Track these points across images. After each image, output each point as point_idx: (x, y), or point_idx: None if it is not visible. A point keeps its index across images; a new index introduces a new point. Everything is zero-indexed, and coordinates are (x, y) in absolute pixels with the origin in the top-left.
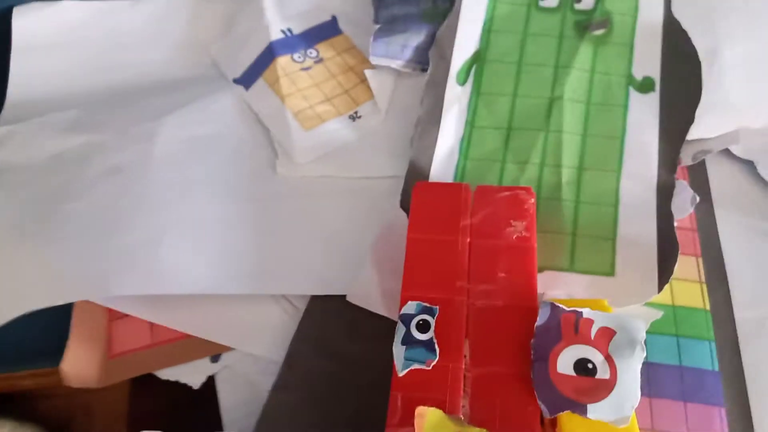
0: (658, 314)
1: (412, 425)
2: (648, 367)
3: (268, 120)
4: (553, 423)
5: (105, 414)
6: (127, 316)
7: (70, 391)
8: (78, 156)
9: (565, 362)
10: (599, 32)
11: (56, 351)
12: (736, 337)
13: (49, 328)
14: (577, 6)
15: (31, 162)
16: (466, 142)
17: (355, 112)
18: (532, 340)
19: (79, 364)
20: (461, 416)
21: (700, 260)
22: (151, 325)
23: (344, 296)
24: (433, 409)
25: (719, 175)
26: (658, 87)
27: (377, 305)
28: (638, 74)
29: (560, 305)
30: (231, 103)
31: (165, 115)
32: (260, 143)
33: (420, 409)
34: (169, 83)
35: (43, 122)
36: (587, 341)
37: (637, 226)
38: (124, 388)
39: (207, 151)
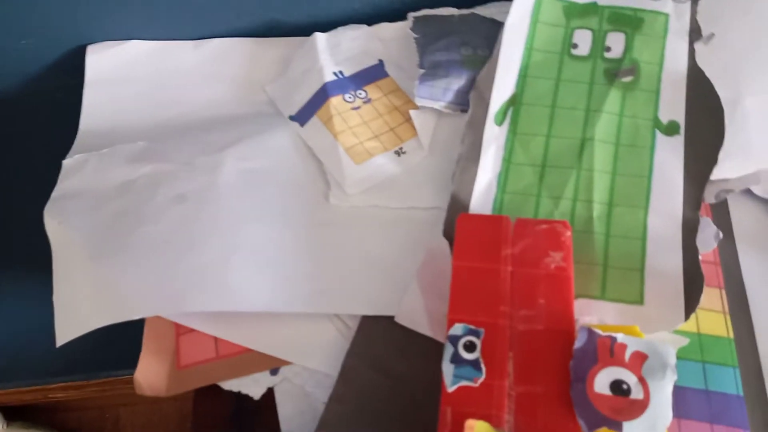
0: (685, 341)
1: None
2: (676, 390)
3: (321, 154)
4: None
5: (133, 425)
6: (193, 330)
7: (100, 404)
8: (146, 184)
9: (601, 383)
10: (627, 79)
11: (88, 364)
12: (760, 365)
13: (80, 342)
14: (607, 55)
15: (102, 188)
16: (504, 177)
17: (401, 148)
18: (570, 362)
19: (150, 374)
20: (506, 430)
21: (724, 292)
22: (216, 339)
23: (392, 317)
24: (481, 421)
25: (740, 213)
26: (683, 130)
27: (423, 326)
28: (664, 118)
29: (596, 330)
30: (287, 138)
31: (227, 148)
32: (314, 175)
33: (469, 422)
34: (228, 119)
35: (112, 152)
36: (622, 364)
37: (664, 258)
38: (156, 399)
39: (266, 182)
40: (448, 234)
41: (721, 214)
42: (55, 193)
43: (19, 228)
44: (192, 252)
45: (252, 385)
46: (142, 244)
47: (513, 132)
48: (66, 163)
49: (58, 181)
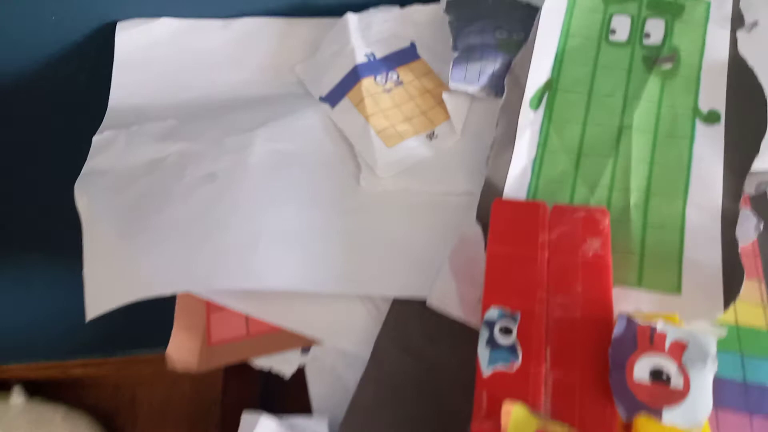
0: (723, 332)
1: (496, 419)
2: (713, 381)
3: (352, 136)
4: (628, 427)
5: (150, 404)
6: (224, 308)
7: (117, 382)
8: (175, 163)
9: (641, 370)
10: (667, 66)
11: (106, 342)
12: None
13: (99, 320)
14: (646, 41)
15: (131, 166)
16: (539, 164)
17: (432, 132)
18: (609, 349)
19: (181, 350)
20: (542, 413)
21: (763, 284)
22: (247, 317)
23: (424, 300)
24: (518, 404)
25: None
26: (723, 119)
27: (455, 310)
28: (704, 107)
29: (636, 318)
30: (317, 120)
31: (256, 128)
32: (344, 158)
33: (506, 405)
34: (257, 99)
35: (141, 129)
36: (662, 352)
37: (703, 250)
38: (172, 379)
39: (296, 163)
40: (482, 219)
41: (761, 206)
42: (85, 169)
43: (42, 209)
44: (220, 230)
45: (283, 364)
46: (170, 221)
47: (548, 118)
48: (96, 139)
49: (88, 158)
